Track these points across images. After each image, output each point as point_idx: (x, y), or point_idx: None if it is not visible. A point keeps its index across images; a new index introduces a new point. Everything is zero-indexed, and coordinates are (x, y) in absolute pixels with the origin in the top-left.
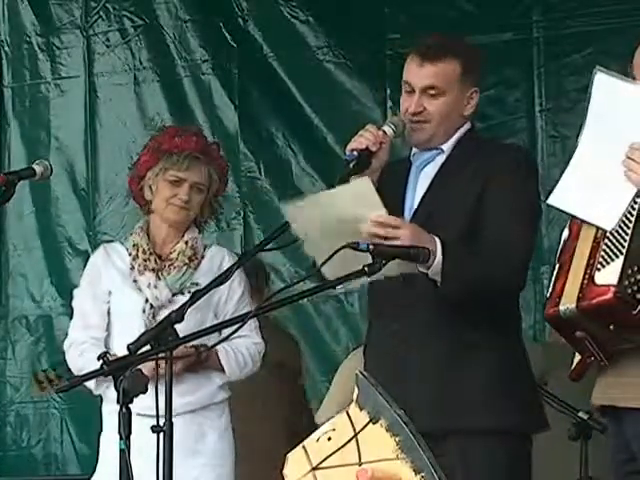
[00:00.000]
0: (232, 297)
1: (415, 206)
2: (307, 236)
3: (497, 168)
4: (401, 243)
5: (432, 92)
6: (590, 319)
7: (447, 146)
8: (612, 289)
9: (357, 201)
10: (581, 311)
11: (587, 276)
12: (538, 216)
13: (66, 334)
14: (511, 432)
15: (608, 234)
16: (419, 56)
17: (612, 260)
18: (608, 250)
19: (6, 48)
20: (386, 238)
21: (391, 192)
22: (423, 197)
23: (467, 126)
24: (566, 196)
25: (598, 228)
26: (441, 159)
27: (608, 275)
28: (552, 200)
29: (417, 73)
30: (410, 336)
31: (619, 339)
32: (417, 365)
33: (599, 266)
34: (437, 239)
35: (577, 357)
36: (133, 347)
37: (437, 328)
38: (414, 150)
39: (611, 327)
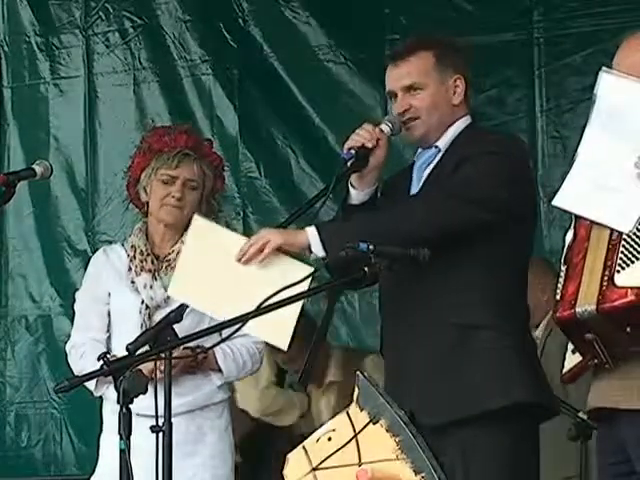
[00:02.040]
0: None
1: None
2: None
3: (472, 151)
4: (275, 243)
5: (412, 89)
6: (609, 321)
7: (444, 143)
8: (635, 291)
9: (208, 241)
10: (602, 313)
11: (606, 278)
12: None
13: (66, 334)
14: (517, 410)
15: (625, 236)
16: (392, 59)
17: (632, 262)
18: (627, 252)
19: (5, 48)
20: (261, 251)
21: (398, 192)
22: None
23: (466, 120)
24: (573, 197)
25: (612, 230)
26: (437, 160)
27: (629, 277)
28: (557, 201)
29: (393, 75)
30: (410, 331)
31: (632, 341)
32: (418, 359)
33: (619, 268)
34: (310, 227)
35: (571, 360)
36: (132, 347)
37: (434, 318)
38: (419, 150)
39: (628, 329)
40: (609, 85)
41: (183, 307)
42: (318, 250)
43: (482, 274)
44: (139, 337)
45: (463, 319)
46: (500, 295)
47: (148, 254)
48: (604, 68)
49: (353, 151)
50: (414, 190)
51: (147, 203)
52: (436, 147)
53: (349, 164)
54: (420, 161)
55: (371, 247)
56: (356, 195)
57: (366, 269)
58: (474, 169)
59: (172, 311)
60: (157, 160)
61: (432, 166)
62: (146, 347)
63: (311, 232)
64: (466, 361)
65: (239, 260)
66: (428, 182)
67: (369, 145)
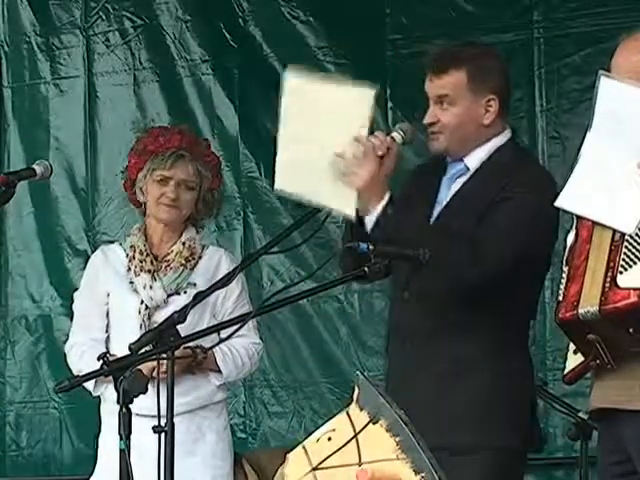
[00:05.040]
0: (230, 297)
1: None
2: (285, 120)
3: (507, 191)
4: (356, 182)
5: (443, 101)
6: (612, 322)
7: (473, 165)
8: (637, 292)
9: (352, 105)
10: (604, 314)
11: (609, 279)
12: (529, 240)
13: (66, 334)
14: (500, 448)
15: (627, 237)
16: (428, 71)
17: (635, 263)
18: (630, 253)
19: (5, 48)
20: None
21: (422, 197)
22: (438, 216)
23: (503, 138)
24: (576, 198)
25: (615, 231)
26: (466, 178)
27: (632, 278)
28: (560, 202)
29: (429, 86)
30: (411, 353)
31: (634, 342)
32: (414, 383)
33: (621, 269)
34: (387, 196)
35: (572, 360)
36: (135, 347)
37: (436, 346)
38: (448, 159)
39: (630, 330)
40: (608, 89)
41: (187, 308)
42: (369, 221)
43: (489, 315)
44: (142, 337)
45: (460, 353)
46: (501, 336)
47: (147, 254)
48: (602, 72)
49: None
50: (439, 204)
51: (145, 203)
52: (465, 165)
53: None
54: (450, 173)
55: (371, 247)
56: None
57: (366, 269)
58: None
59: (176, 311)
60: (152, 161)
61: (460, 183)
62: (148, 347)
63: (378, 208)
64: (454, 393)
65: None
66: (455, 201)
67: (380, 153)
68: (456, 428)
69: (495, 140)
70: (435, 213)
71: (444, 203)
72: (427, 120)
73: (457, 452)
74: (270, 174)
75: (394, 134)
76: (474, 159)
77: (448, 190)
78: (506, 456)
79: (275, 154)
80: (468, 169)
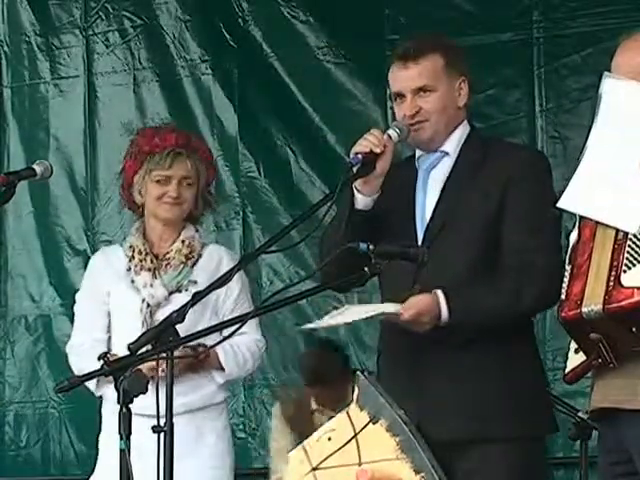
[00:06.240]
0: (230, 295)
1: (428, 215)
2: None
3: (515, 174)
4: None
5: (423, 91)
6: (615, 321)
7: (452, 149)
8: None
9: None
10: (608, 313)
11: (612, 278)
12: (559, 221)
13: (65, 334)
14: (532, 437)
15: (631, 236)
16: (401, 59)
17: (638, 262)
18: (633, 252)
19: (5, 48)
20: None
21: (399, 196)
22: (436, 206)
23: (467, 128)
24: (579, 199)
25: (618, 230)
26: (448, 162)
27: (636, 277)
28: (563, 203)
29: (404, 76)
30: (425, 348)
31: (637, 341)
32: (435, 376)
33: (625, 268)
34: (439, 294)
35: (573, 359)
36: (134, 347)
37: (449, 341)
38: (418, 153)
39: (633, 329)
40: (612, 89)
41: (185, 308)
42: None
43: None
44: (141, 337)
45: (475, 345)
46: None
47: (147, 253)
48: (606, 73)
49: (360, 156)
50: (422, 197)
51: (142, 205)
52: (442, 151)
53: (355, 169)
54: (425, 165)
55: (371, 247)
56: (362, 200)
57: (366, 269)
58: (540, 237)
59: (174, 311)
60: (149, 162)
61: (443, 173)
62: (148, 346)
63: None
64: (481, 385)
65: None
66: (447, 193)
67: (377, 151)
68: (491, 419)
69: (464, 124)
70: (424, 204)
71: (436, 193)
72: (410, 111)
73: (492, 443)
74: (269, 173)
75: (390, 132)
76: (451, 144)
77: (427, 180)
78: (538, 442)
79: (274, 154)
80: (447, 154)
